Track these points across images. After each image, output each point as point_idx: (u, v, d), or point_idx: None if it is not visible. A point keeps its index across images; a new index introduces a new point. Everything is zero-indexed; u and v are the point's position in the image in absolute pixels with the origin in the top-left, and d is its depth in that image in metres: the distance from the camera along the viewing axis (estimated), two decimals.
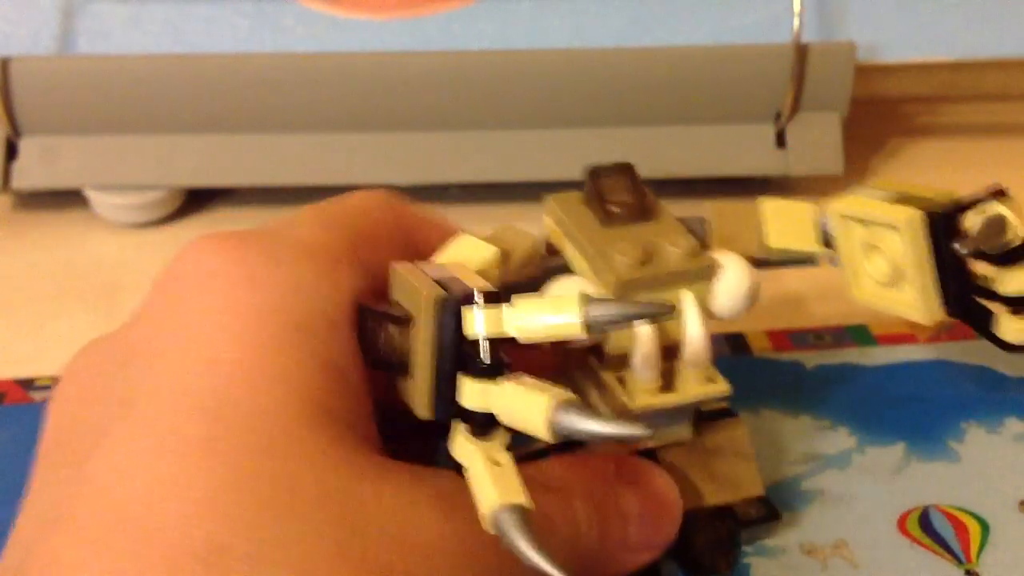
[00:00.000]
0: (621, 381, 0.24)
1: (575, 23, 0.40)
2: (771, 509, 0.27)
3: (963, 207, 0.24)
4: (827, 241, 0.26)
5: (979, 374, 0.33)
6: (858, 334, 0.35)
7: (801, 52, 0.37)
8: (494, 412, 0.19)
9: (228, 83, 0.38)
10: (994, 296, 0.25)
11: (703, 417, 0.27)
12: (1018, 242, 0.24)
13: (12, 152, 0.38)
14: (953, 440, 0.31)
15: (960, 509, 0.29)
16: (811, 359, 0.34)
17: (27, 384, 0.33)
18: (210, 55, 0.39)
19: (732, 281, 0.25)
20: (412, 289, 0.20)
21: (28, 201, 0.41)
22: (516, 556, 0.18)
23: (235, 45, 0.40)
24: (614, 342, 0.24)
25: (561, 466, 0.24)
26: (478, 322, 0.19)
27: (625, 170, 0.25)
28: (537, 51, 0.39)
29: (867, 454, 0.30)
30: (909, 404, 0.32)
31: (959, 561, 0.28)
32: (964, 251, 0.23)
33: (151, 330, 0.20)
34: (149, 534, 0.17)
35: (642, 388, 0.24)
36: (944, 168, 0.43)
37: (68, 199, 0.40)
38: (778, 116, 0.38)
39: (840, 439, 0.31)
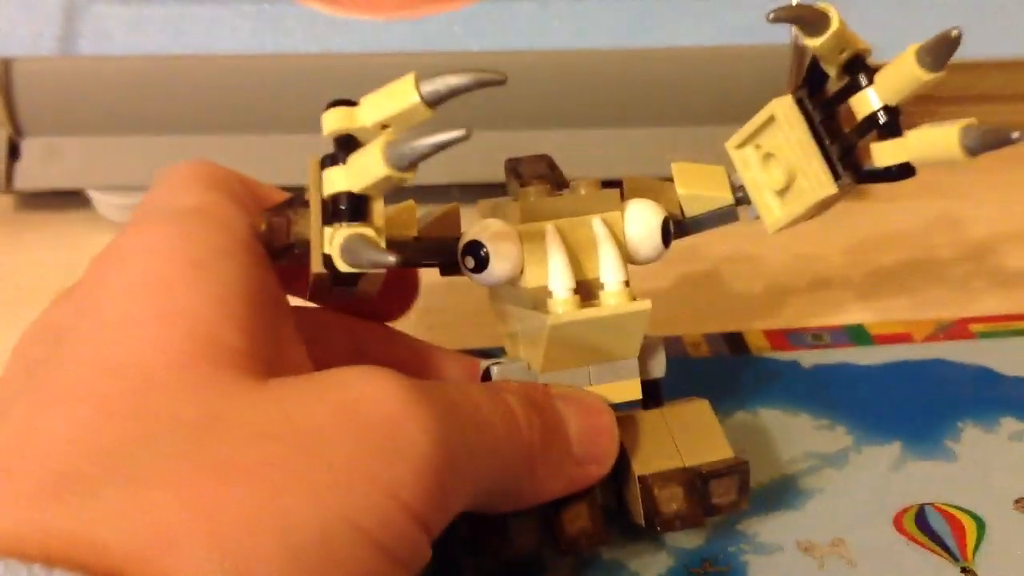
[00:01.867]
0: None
1: (575, 24, 0.41)
2: (740, 462, 0.26)
3: (821, 72, 0.25)
4: (740, 199, 0.27)
5: (975, 374, 0.33)
6: (855, 334, 0.35)
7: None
8: (353, 188, 0.22)
9: (229, 84, 0.38)
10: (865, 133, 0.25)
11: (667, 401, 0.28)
12: (849, 52, 0.25)
13: (14, 153, 0.38)
14: (949, 439, 0.31)
15: (956, 507, 0.29)
16: (809, 358, 0.34)
17: None
18: (211, 56, 0.39)
19: (638, 213, 0.26)
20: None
21: (30, 201, 0.41)
22: (367, 268, 0.21)
23: (236, 46, 0.40)
24: (528, 276, 0.25)
25: (496, 383, 0.25)
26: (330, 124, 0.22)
27: (542, 157, 0.27)
28: (537, 52, 0.39)
29: (864, 453, 0.30)
30: (905, 403, 0.32)
31: (955, 559, 0.28)
32: (770, 17, 0.24)
33: (72, 304, 0.22)
34: (13, 476, 0.18)
35: (562, 304, 0.25)
36: (941, 169, 0.43)
37: (70, 199, 0.40)
38: None
39: (837, 438, 0.31)
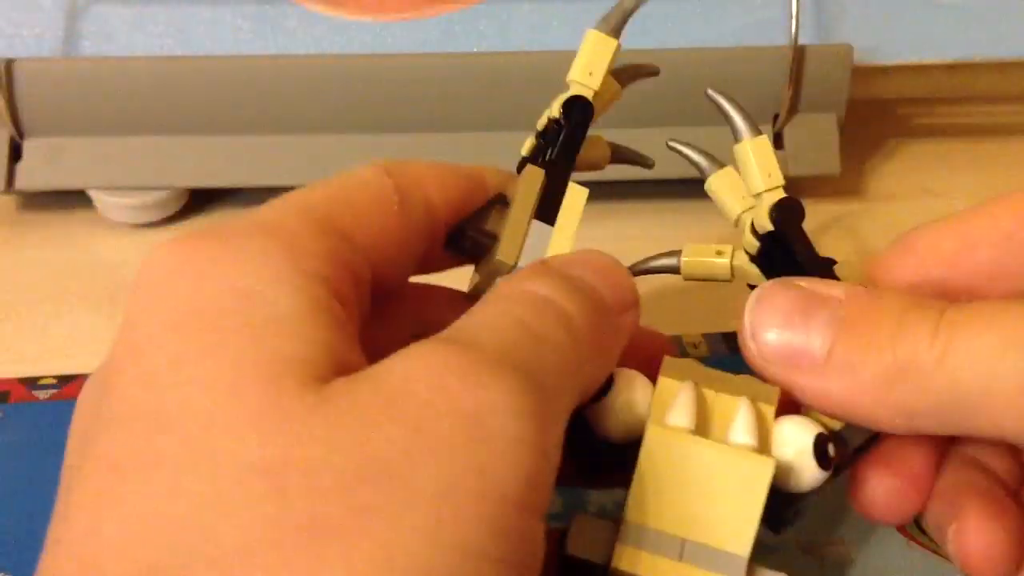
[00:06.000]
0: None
1: (575, 25, 0.41)
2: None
3: None
4: None
5: None
6: None
7: (799, 54, 0.37)
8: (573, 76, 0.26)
9: (231, 85, 0.38)
10: None
11: None
12: None
13: (17, 153, 0.38)
14: None
15: None
16: None
17: (31, 383, 0.33)
18: (213, 57, 0.39)
19: (789, 431, 0.22)
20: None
21: (33, 201, 0.41)
22: None
23: (237, 47, 0.40)
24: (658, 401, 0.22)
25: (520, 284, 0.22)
26: None
27: None
28: (537, 53, 0.39)
29: None
30: None
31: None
32: None
33: (112, 361, 0.19)
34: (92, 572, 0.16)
35: (674, 429, 0.22)
36: (939, 169, 0.43)
37: (72, 199, 0.40)
38: (776, 117, 0.38)
39: None
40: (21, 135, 0.38)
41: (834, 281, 0.23)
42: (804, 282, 0.23)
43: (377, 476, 0.16)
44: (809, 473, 0.22)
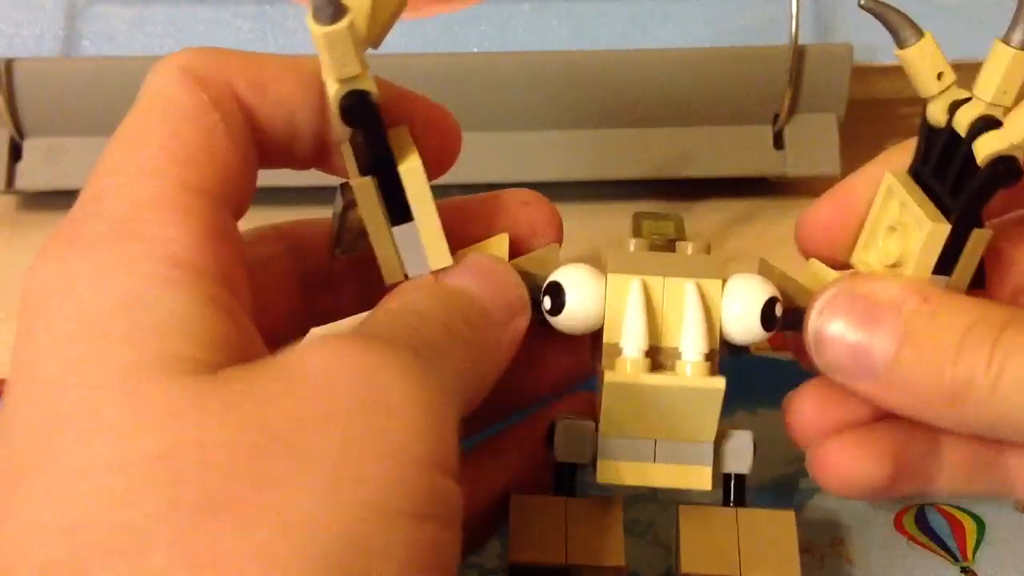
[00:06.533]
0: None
1: (575, 25, 0.41)
2: None
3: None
4: None
5: None
6: None
7: (799, 54, 0.37)
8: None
9: None
10: None
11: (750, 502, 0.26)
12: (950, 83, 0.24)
13: (16, 153, 0.38)
14: None
15: (956, 507, 0.29)
16: None
17: None
18: None
19: (739, 287, 0.24)
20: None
21: (32, 202, 0.41)
22: None
23: (237, 47, 0.40)
24: (607, 331, 0.24)
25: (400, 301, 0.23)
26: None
27: (671, 217, 0.27)
28: (537, 53, 0.39)
29: None
30: None
31: (955, 559, 0.28)
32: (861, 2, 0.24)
33: (7, 380, 0.19)
34: None
35: (629, 364, 0.23)
36: None
37: (72, 199, 0.39)
38: (776, 117, 0.38)
39: None
40: (21, 135, 0.38)
41: (894, 282, 0.24)
42: (866, 287, 0.24)
43: (272, 448, 0.17)
44: (751, 331, 0.24)
